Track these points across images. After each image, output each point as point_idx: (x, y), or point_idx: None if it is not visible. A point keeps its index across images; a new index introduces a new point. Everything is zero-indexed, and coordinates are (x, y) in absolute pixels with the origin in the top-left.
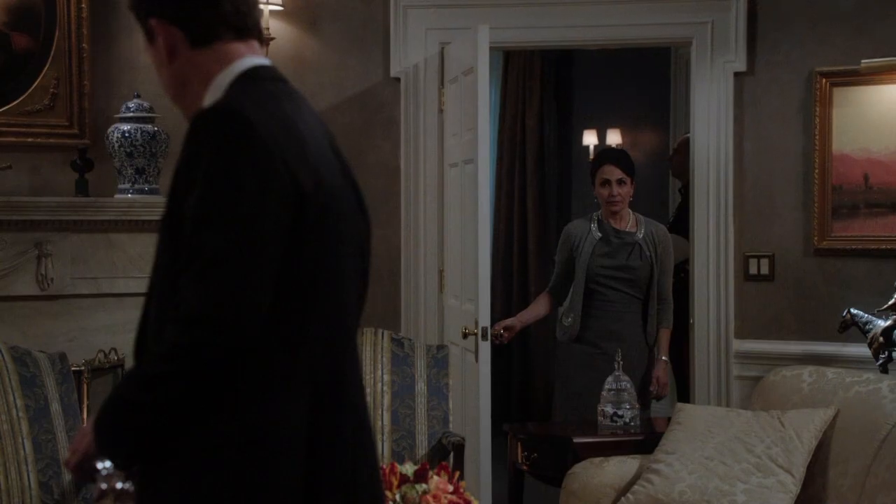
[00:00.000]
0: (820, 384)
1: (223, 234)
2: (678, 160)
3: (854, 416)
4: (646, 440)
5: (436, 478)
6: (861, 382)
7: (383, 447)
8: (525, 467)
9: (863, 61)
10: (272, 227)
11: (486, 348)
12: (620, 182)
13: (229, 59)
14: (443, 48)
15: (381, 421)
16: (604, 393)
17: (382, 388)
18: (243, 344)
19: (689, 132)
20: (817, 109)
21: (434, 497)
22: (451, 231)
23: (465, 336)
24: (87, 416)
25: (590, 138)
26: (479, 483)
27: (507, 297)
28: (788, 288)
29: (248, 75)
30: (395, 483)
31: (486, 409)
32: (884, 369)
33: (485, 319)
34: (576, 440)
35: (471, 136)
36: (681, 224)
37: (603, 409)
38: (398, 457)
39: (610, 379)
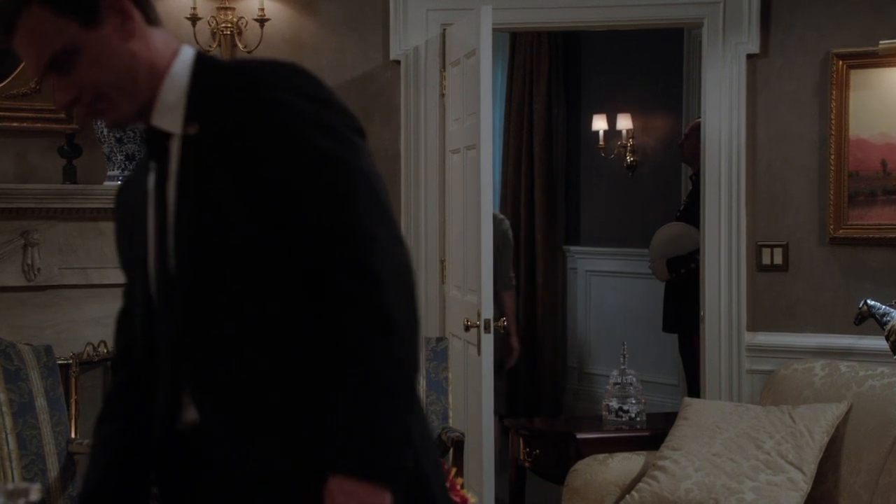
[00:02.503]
0: (832, 378)
1: (374, 216)
2: (689, 146)
3: (868, 412)
4: (651, 436)
5: None
6: (875, 376)
7: None
8: (527, 464)
9: (881, 42)
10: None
11: (488, 341)
12: None
13: (174, 45)
14: (444, 30)
15: None
16: (608, 387)
17: None
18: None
19: (700, 117)
20: (833, 93)
21: None
22: (453, 220)
23: (467, 328)
24: (75, 412)
25: (599, 123)
26: (481, 480)
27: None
28: (803, 278)
29: (207, 62)
30: None
31: (488, 403)
32: None
33: (487, 311)
34: (579, 436)
35: (473, 120)
36: (691, 212)
37: (608, 404)
38: None
39: (615, 373)
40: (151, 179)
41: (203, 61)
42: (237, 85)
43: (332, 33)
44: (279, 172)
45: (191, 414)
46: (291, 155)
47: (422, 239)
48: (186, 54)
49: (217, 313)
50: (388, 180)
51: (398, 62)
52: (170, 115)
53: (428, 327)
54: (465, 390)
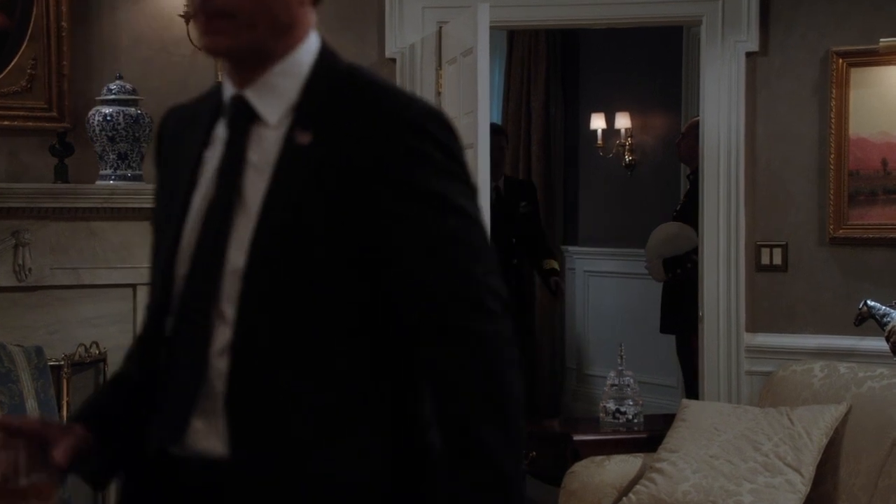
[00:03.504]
0: (832, 379)
1: (469, 225)
2: (685, 145)
3: (867, 413)
4: (649, 438)
5: None
6: (874, 378)
7: None
8: (524, 466)
9: (881, 40)
10: None
11: None
12: None
13: (312, 23)
14: (441, 27)
15: None
16: (606, 388)
17: None
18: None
19: (698, 115)
20: (833, 91)
21: None
22: None
23: None
24: (67, 413)
25: (598, 122)
26: None
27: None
28: (802, 279)
29: (334, 60)
30: None
31: None
32: None
33: None
34: (576, 438)
35: (470, 119)
36: (688, 212)
37: (605, 406)
38: None
39: (612, 374)
40: (216, 152)
41: (329, 57)
42: (378, 113)
43: (326, 31)
44: (397, 235)
45: (205, 442)
46: (416, 222)
47: None
48: (313, 41)
49: (283, 337)
50: None
51: (394, 60)
52: (272, 101)
53: None
54: None
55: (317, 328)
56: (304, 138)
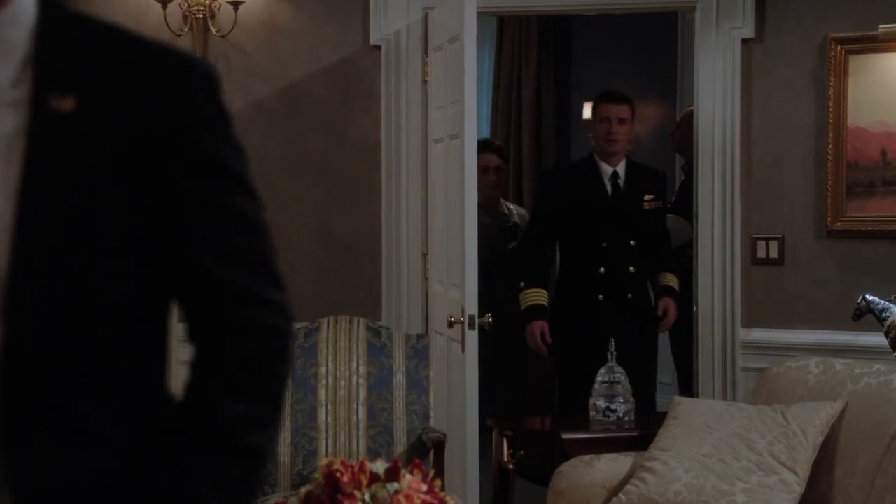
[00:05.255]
0: (827, 376)
1: (257, 205)
2: (680, 135)
3: (863, 410)
4: (640, 436)
5: (409, 476)
6: (871, 374)
7: (359, 443)
8: (511, 465)
9: (880, 27)
10: None
11: (473, 338)
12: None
13: None
14: (426, 14)
15: (357, 416)
16: (596, 385)
17: (358, 381)
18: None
19: (693, 104)
20: (831, 79)
21: (406, 497)
22: (437, 212)
23: (450, 325)
24: None
25: (590, 111)
26: (464, 482)
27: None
28: (799, 272)
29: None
30: (365, 482)
31: (472, 403)
32: None
33: (472, 307)
34: (565, 436)
35: (457, 108)
36: (683, 204)
37: (595, 403)
38: (374, 454)
39: (603, 370)
40: None
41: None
42: (154, 70)
43: (309, 17)
44: (186, 217)
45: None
46: (209, 202)
47: (403, 232)
48: None
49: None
50: (369, 170)
51: (378, 47)
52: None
53: (409, 323)
54: (448, 389)
55: (99, 334)
56: (64, 103)
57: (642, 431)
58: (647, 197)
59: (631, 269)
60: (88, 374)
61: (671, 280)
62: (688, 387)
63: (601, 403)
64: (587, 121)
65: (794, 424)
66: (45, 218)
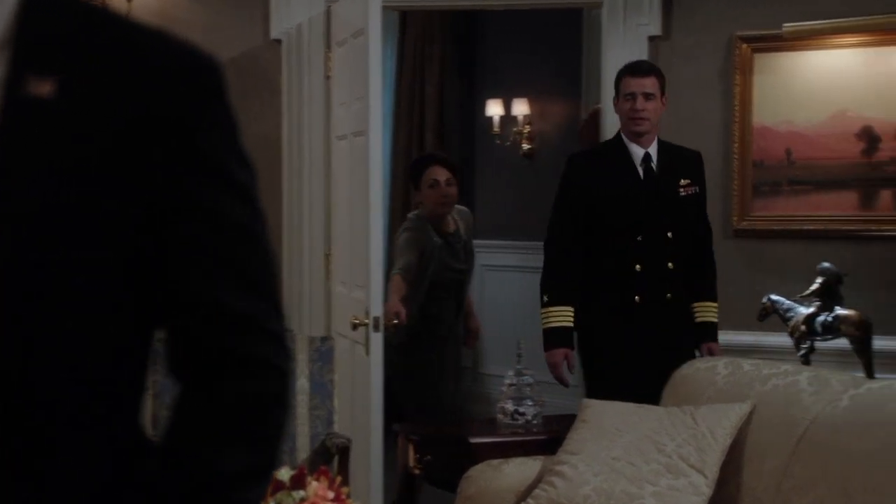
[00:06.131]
0: (736, 377)
1: (262, 223)
2: (588, 133)
3: (771, 411)
4: (549, 439)
5: (315, 483)
6: (779, 375)
7: None
8: (417, 471)
9: (785, 25)
10: None
11: (377, 340)
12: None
13: None
14: (329, 7)
15: None
16: (504, 388)
17: None
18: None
19: (600, 102)
20: (737, 78)
21: None
22: (340, 211)
23: (354, 327)
24: None
25: (494, 108)
26: (368, 488)
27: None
28: None
29: None
30: (269, 490)
31: (377, 407)
32: (805, 360)
33: (377, 308)
34: (473, 440)
35: (360, 105)
36: None
37: (503, 406)
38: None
39: (511, 373)
40: None
41: None
42: (149, 57)
43: (206, 8)
44: (180, 225)
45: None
46: (205, 211)
47: (305, 231)
48: None
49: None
50: (269, 167)
51: (279, 41)
52: None
53: (312, 326)
54: (352, 393)
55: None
56: (44, 88)
57: (551, 435)
58: (682, 182)
59: (669, 265)
60: (53, 403)
61: (712, 313)
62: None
63: (509, 406)
64: (614, 99)
65: (703, 426)
66: (13, 213)
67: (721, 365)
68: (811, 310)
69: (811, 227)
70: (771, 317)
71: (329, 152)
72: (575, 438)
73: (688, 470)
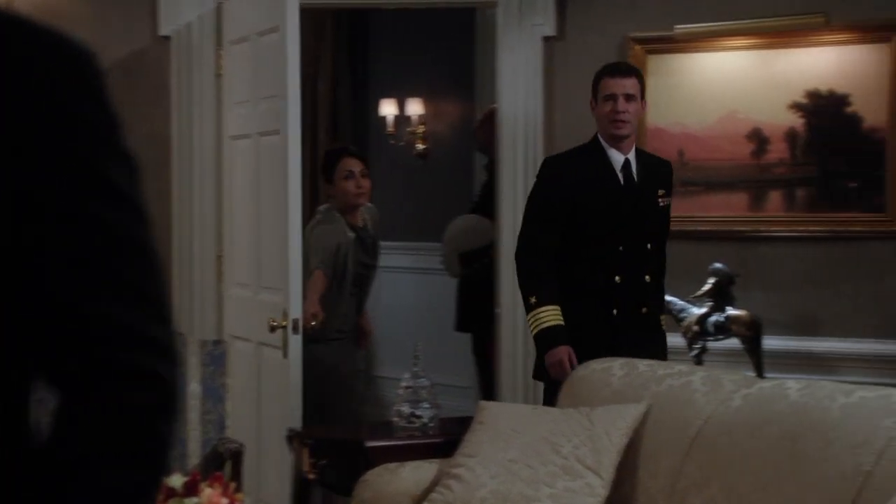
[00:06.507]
0: (631, 378)
1: (142, 224)
2: (483, 133)
3: (666, 412)
4: (445, 443)
5: (208, 490)
6: (673, 375)
7: None
8: (312, 475)
9: (676, 27)
10: None
11: (297, 342)
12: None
13: None
14: (219, 4)
15: None
16: (400, 391)
17: None
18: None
19: (495, 102)
20: None
21: None
22: (239, 212)
23: (272, 329)
24: None
25: (388, 108)
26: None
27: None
28: None
29: None
30: (162, 498)
31: (296, 410)
32: (698, 360)
33: (296, 310)
34: (368, 444)
35: (269, 104)
36: (487, 203)
37: (399, 409)
38: None
39: (407, 376)
40: None
41: None
42: (14, 46)
43: (91, 3)
44: (43, 233)
45: None
46: (74, 215)
47: (196, 233)
48: None
49: None
50: (158, 167)
51: (168, 38)
52: None
53: (202, 329)
54: (253, 397)
55: None
56: None
57: (448, 437)
58: (660, 192)
59: (647, 277)
60: None
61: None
62: (489, 391)
63: (405, 409)
64: (591, 101)
65: (599, 427)
66: None
67: (617, 366)
68: (703, 310)
69: (703, 228)
70: (664, 317)
71: (220, 152)
72: (471, 441)
73: (584, 471)
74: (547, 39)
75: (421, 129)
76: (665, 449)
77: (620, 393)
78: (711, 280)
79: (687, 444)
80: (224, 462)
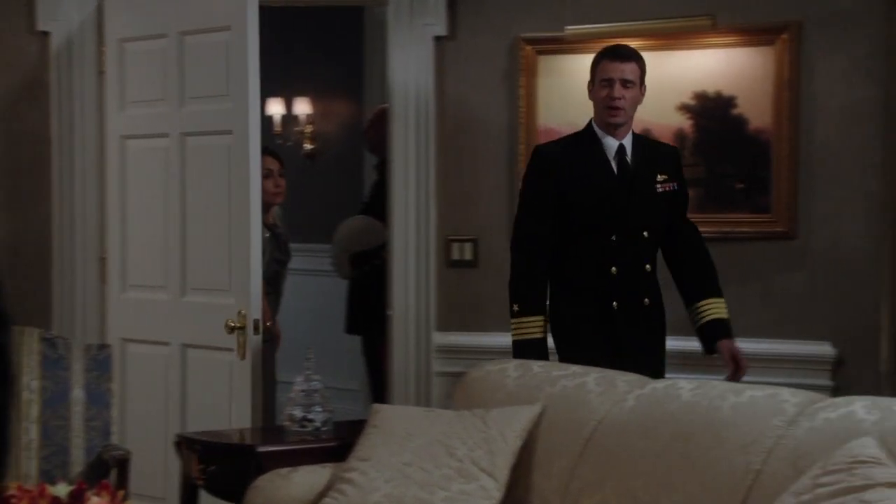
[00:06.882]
0: (525, 379)
1: None
2: (374, 134)
3: (560, 413)
4: (339, 446)
5: (95, 499)
6: (568, 376)
7: (31, 465)
8: (200, 482)
9: (566, 28)
10: None
11: (256, 343)
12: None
13: None
14: (101, 1)
15: (29, 435)
16: (292, 395)
17: (30, 397)
18: None
19: (385, 102)
20: (522, 79)
21: None
22: (138, 213)
23: (231, 331)
24: None
25: (275, 107)
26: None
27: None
28: (493, 275)
29: None
30: None
31: (257, 410)
32: None
33: (256, 311)
34: (259, 449)
35: (206, 105)
36: (378, 204)
37: (291, 413)
38: (48, 476)
39: (300, 379)
40: None
41: None
42: None
43: None
44: None
45: None
46: None
47: (78, 235)
48: None
49: None
50: (37, 167)
51: (47, 34)
52: None
53: (86, 333)
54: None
55: None
56: None
57: (341, 441)
58: (659, 177)
59: (647, 266)
60: None
61: (722, 309)
62: (378, 393)
63: (298, 413)
64: (588, 84)
65: (494, 429)
66: None
67: (511, 367)
68: None
69: None
70: None
71: (103, 152)
72: (365, 444)
73: (479, 474)
74: (438, 39)
75: (309, 128)
76: (559, 450)
77: (515, 394)
78: None
79: (581, 445)
80: (109, 469)
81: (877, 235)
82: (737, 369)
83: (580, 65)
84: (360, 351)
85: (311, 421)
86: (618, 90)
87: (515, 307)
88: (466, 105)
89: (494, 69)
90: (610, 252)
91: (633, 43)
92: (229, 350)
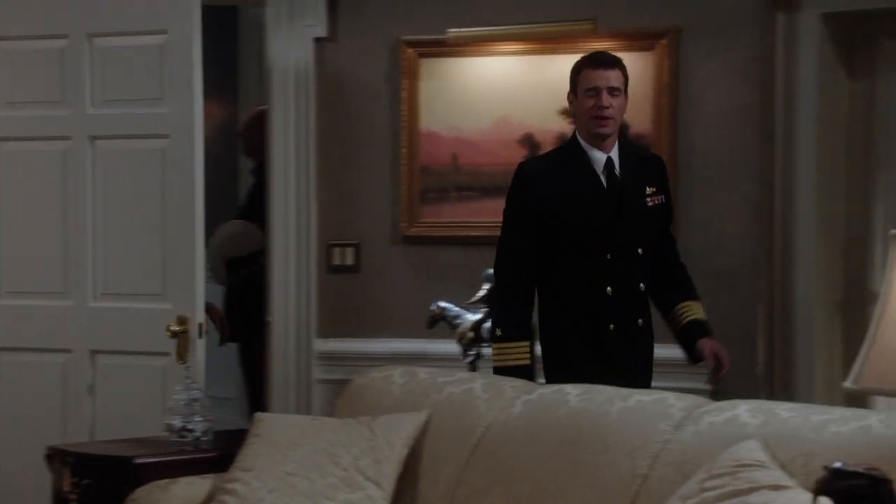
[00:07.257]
0: (411, 386)
1: None
2: (250, 136)
3: (446, 420)
4: (220, 456)
5: None
6: (454, 382)
7: None
8: (73, 496)
9: (449, 30)
10: None
11: (201, 347)
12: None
13: None
14: None
15: None
16: (171, 405)
17: None
18: None
19: (263, 104)
20: (404, 82)
21: None
22: (17, 217)
23: (174, 335)
24: None
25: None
26: None
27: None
28: (375, 280)
29: None
30: None
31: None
32: (473, 367)
33: (200, 315)
34: (137, 460)
35: (120, 109)
36: (255, 208)
37: (170, 423)
38: None
39: (180, 388)
40: None
41: None
42: None
43: None
44: None
45: None
46: None
47: None
48: None
49: None
50: None
51: None
52: None
53: None
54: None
55: None
56: None
57: (222, 451)
58: (648, 190)
59: (641, 286)
60: None
61: (699, 310)
62: (256, 402)
63: (177, 423)
64: (568, 95)
65: (380, 437)
66: None
67: (397, 374)
68: (479, 316)
69: (477, 234)
70: (440, 324)
71: None
72: (248, 454)
73: (365, 483)
74: (318, 41)
75: None
76: (446, 457)
77: (401, 402)
78: (486, 286)
79: (468, 451)
80: None
81: (755, 238)
82: (719, 367)
83: (463, 68)
84: (237, 359)
85: (190, 431)
86: (605, 99)
87: (498, 331)
88: (348, 108)
89: (376, 72)
90: (604, 270)
91: (515, 47)
92: (162, 355)
